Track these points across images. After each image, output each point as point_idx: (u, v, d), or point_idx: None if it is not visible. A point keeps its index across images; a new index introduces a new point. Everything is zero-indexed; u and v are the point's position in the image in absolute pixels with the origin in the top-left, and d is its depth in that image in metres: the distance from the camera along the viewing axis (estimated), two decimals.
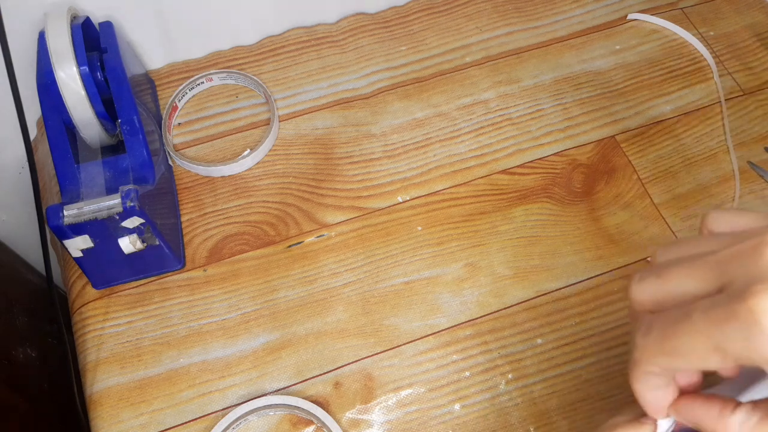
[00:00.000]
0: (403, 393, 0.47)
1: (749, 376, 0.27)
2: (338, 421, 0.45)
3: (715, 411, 0.24)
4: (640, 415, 0.27)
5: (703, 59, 0.61)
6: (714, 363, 0.22)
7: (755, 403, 0.24)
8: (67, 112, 0.46)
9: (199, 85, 0.59)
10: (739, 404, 0.24)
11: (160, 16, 0.56)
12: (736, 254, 0.22)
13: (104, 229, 0.44)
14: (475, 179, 0.55)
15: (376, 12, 0.64)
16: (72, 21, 0.47)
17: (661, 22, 0.63)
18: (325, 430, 0.45)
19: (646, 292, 0.25)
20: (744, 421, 0.23)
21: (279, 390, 0.47)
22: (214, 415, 0.46)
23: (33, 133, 0.59)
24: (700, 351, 0.22)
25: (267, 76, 0.60)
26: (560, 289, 0.50)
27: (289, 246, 0.52)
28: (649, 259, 0.51)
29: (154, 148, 0.51)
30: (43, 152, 0.58)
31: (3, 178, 0.65)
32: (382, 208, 0.54)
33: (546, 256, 0.52)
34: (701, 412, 0.25)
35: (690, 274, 0.23)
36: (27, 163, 0.46)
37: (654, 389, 0.25)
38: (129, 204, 0.44)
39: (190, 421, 0.46)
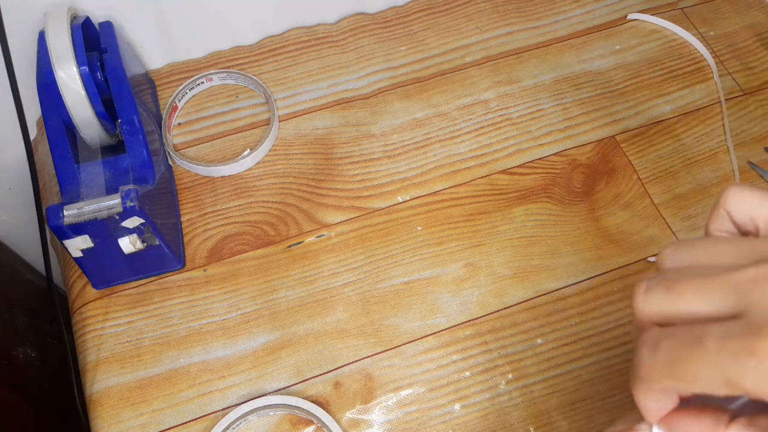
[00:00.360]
0: (403, 393, 0.47)
1: None
2: (338, 421, 0.45)
3: (707, 425, 0.23)
4: (637, 421, 0.26)
5: (703, 59, 0.61)
6: (723, 392, 0.20)
7: (750, 419, 0.22)
8: (67, 112, 0.46)
9: (199, 85, 0.59)
10: (732, 418, 0.23)
11: (160, 16, 0.56)
12: (758, 279, 0.21)
13: (104, 229, 0.44)
14: (475, 179, 0.55)
15: (376, 12, 0.64)
16: (72, 21, 0.47)
17: (661, 22, 0.63)
18: (325, 430, 0.45)
19: (653, 305, 0.23)
20: None
21: (279, 390, 0.47)
22: (214, 415, 0.46)
23: (33, 133, 0.59)
24: (710, 381, 0.20)
25: (267, 76, 0.60)
26: (560, 289, 0.50)
27: (289, 246, 0.52)
28: (651, 259, 0.51)
29: (154, 148, 0.51)
30: (43, 152, 0.58)
31: (3, 178, 0.65)
32: (382, 208, 0.54)
33: (546, 256, 0.51)
34: (693, 427, 0.23)
35: (704, 293, 0.22)
36: (27, 163, 0.46)
37: (657, 402, 0.24)
38: (129, 204, 0.44)
39: (190, 421, 0.46)
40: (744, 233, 0.26)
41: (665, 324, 0.23)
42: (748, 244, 0.23)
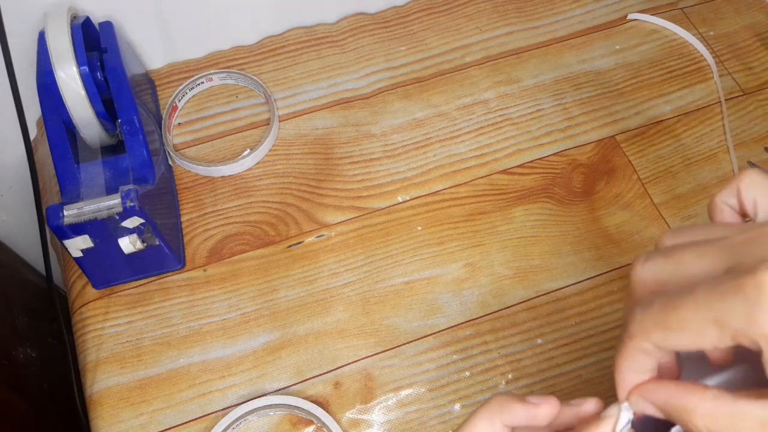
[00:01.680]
0: (403, 393, 0.47)
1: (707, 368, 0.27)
2: (338, 421, 0.45)
3: (684, 390, 0.23)
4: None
5: (703, 59, 0.61)
6: (711, 339, 0.21)
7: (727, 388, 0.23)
8: (67, 112, 0.46)
9: (199, 85, 0.59)
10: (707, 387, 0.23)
11: (160, 16, 0.56)
12: (751, 239, 0.22)
13: (104, 229, 0.44)
14: (475, 179, 0.55)
15: (376, 12, 0.64)
16: (72, 21, 0.47)
17: (661, 22, 0.63)
18: (325, 430, 0.45)
19: (651, 271, 0.24)
20: (717, 397, 0.22)
21: (279, 390, 0.47)
22: (214, 415, 0.46)
23: (33, 133, 0.59)
24: (699, 324, 0.21)
25: (267, 76, 0.60)
26: (560, 289, 0.50)
27: (289, 246, 0.52)
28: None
29: (154, 148, 0.51)
30: (43, 152, 0.58)
31: (3, 178, 0.65)
32: (382, 208, 0.54)
33: (546, 256, 0.51)
34: (670, 391, 0.24)
35: (700, 255, 0.23)
36: (27, 163, 0.46)
37: (637, 372, 0.24)
38: (129, 204, 0.44)
39: (190, 421, 0.46)
40: (742, 213, 0.27)
41: (661, 291, 0.24)
42: (742, 226, 0.24)
